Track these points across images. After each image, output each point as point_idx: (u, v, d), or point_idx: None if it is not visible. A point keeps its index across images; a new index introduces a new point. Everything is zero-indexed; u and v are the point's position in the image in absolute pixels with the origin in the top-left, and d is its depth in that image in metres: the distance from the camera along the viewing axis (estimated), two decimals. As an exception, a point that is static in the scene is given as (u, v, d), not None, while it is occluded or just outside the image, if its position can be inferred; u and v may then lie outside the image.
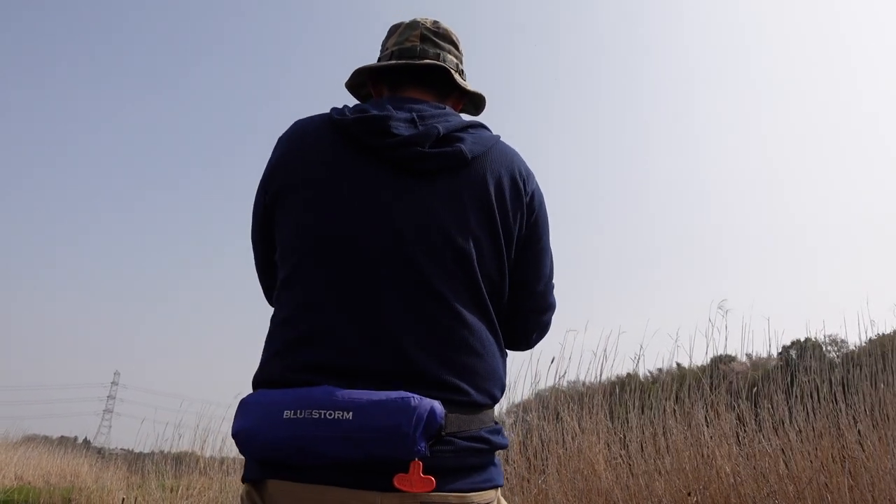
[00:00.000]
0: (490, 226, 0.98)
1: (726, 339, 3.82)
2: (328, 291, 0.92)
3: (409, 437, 0.79)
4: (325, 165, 0.98)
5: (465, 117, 1.13)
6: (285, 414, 0.82)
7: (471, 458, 0.89)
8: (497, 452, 0.98)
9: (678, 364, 4.68)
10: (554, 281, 1.14)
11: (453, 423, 0.87)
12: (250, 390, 0.95)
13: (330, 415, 0.80)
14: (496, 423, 0.98)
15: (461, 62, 1.19)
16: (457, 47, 1.19)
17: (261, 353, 0.97)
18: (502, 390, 0.99)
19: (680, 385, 4.17)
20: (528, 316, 1.11)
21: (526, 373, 4.27)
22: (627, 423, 4.06)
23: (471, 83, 1.22)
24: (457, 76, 1.14)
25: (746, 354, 4.61)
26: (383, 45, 1.19)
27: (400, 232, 0.93)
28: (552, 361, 3.96)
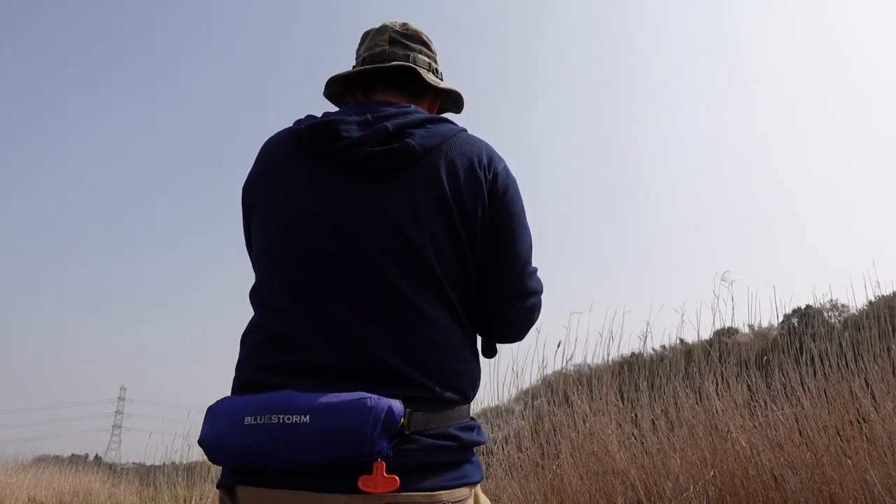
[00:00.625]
0: (447, 217, 0.97)
1: (733, 310, 3.78)
2: (293, 296, 0.94)
3: (366, 437, 0.79)
4: (284, 176, 1.02)
5: (454, 117, 1.13)
6: (246, 420, 0.83)
7: (438, 456, 0.89)
8: (475, 449, 0.98)
9: (681, 340, 4.65)
10: (534, 265, 1.10)
11: (419, 421, 0.87)
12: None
13: (288, 419, 0.81)
14: (472, 419, 0.97)
15: (435, 61, 1.20)
16: (428, 47, 1.20)
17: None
18: (474, 386, 0.99)
19: (688, 360, 4.13)
20: (505, 303, 1.08)
21: (532, 358, 4.24)
22: (637, 401, 4.03)
23: (449, 81, 1.21)
24: (427, 74, 1.14)
25: (749, 325, 4.57)
26: (357, 52, 1.21)
27: (355, 233, 0.95)
28: (559, 345, 3.92)
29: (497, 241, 1.03)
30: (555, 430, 3.93)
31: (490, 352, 1.14)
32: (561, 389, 4.17)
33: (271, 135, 1.09)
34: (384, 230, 0.95)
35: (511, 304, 1.08)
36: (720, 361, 3.77)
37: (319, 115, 1.06)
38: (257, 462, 0.83)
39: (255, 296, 1.01)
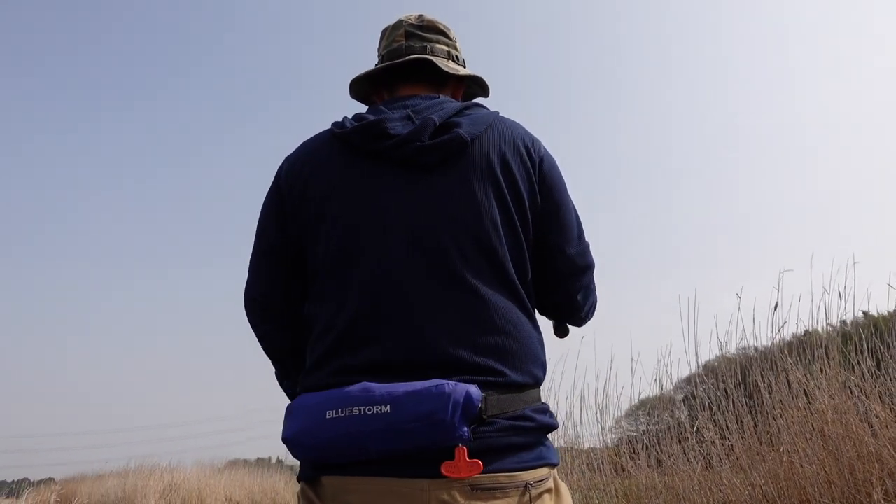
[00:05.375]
0: (501, 203, 0.99)
1: None
2: (359, 296, 0.95)
3: (447, 423, 0.81)
4: (338, 180, 1.01)
5: (480, 101, 1.16)
6: (328, 414, 0.85)
7: (516, 437, 0.89)
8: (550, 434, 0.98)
9: (864, 313, 3.75)
10: (587, 241, 1.13)
11: (495, 405, 0.88)
12: None
13: (369, 410, 0.83)
14: (544, 403, 0.97)
15: (455, 48, 1.20)
16: (446, 35, 1.20)
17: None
18: (543, 368, 0.99)
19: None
20: (568, 280, 1.10)
21: (735, 326, 3.61)
22: (882, 371, 3.26)
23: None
24: (446, 63, 1.15)
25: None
26: (377, 50, 1.22)
27: (415, 228, 0.96)
28: (775, 308, 3.27)
29: (554, 221, 1.06)
30: (781, 408, 3.28)
31: (562, 331, 1.17)
32: (779, 361, 3.49)
33: (304, 141, 1.10)
34: (444, 222, 0.96)
35: (572, 281, 1.10)
36: None
37: (351, 116, 1.07)
38: (342, 454, 0.85)
39: (319, 302, 1.00)
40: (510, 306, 0.96)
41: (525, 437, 0.90)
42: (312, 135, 1.12)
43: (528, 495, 0.87)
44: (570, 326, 1.18)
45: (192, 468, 12.86)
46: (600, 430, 4.79)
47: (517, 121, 1.11)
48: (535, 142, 1.07)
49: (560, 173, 1.09)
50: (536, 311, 1.08)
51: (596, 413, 4.87)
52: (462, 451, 0.82)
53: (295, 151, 1.10)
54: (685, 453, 3.87)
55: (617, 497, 4.23)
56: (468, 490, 0.83)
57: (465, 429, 0.82)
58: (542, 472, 0.91)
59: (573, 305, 1.13)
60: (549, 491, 0.92)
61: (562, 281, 1.09)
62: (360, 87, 1.22)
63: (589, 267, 1.12)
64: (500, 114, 1.09)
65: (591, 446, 5.18)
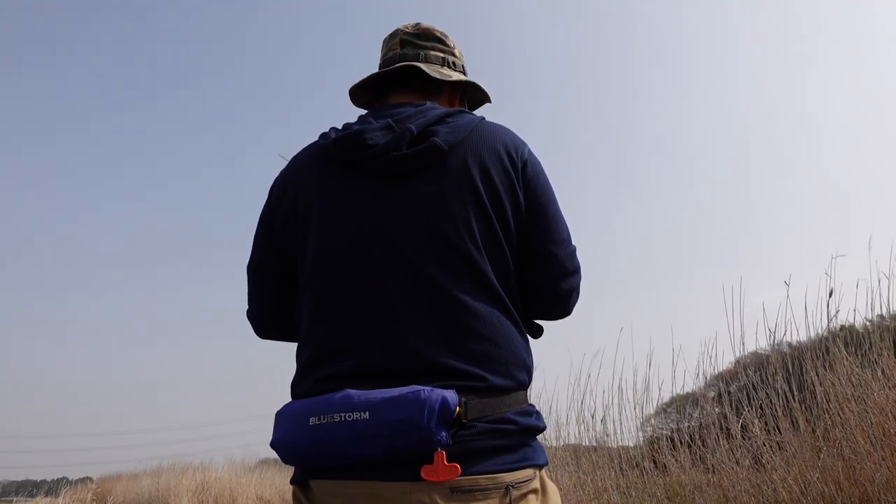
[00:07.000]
0: (480, 210, 0.98)
1: None
2: (338, 306, 0.97)
3: (423, 427, 0.82)
4: (317, 191, 1.03)
5: (485, 108, 1.23)
6: (311, 421, 0.87)
7: (496, 440, 0.89)
8: (540, 436, 0.99)
9: None
10: (574, 244, 1.12)
11: (475, 409, 0.88)
12: None
13: (349, 416, 0.84)
14: (530, 405, 0.98)
15: (453, 54, 1.21)
16: (443, 42, 1.21)
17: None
18: (528, 372, 0.99)
19: None
20: (558, 283, 1.09)
21: (784, 315, 3.41)
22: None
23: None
24: (438, 69, 1.16)
25: None
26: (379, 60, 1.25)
27: (391, 237, 0.97)
28: (830, 295, 3.08)
29: (541, 225, 1.05)
30: (835, 402, 3.08)
31: (538, 332, 1.14)
32: (832, 351, 3.29)
33: (297, 152, 1.12)
34: (418, 230, 0.96)
35: (564, 284, 1.09)
36: None
37: (341, 126, 1.08)
38: (324, 460, 0.87)
39: (303, 310, 1.03)
40: (492, 312, 0.96)
41: (506, 439, 0.91)
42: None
43: (509, 496, 0.88)
44: (542, 325, 1.16)
45: (223, 467, 12.99)
46: (639, 426, 4.62)
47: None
48: (518, 146, 1.06)
49: (545, 176, 1.08)
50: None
51: (634, 408, 4.70)
52: (441, 454, 0.83)
53: (286, 165, 1.13)
54: (731, 451, 3.68)
55: (658, 497, 4.05)
56: (448, 492, 0.84)
57: (444, 433, 0.83)
58: (525, 473, 0.91)
59: (564, 307, 1.13)
60: (534, 491, 0.92)
61: (552, 283, 1.09)
62: (362, 97, 1.23)
63: (577, 269, 1.12)
64: (486, 119, 1.08)
65: (629, 443, 5.01)
